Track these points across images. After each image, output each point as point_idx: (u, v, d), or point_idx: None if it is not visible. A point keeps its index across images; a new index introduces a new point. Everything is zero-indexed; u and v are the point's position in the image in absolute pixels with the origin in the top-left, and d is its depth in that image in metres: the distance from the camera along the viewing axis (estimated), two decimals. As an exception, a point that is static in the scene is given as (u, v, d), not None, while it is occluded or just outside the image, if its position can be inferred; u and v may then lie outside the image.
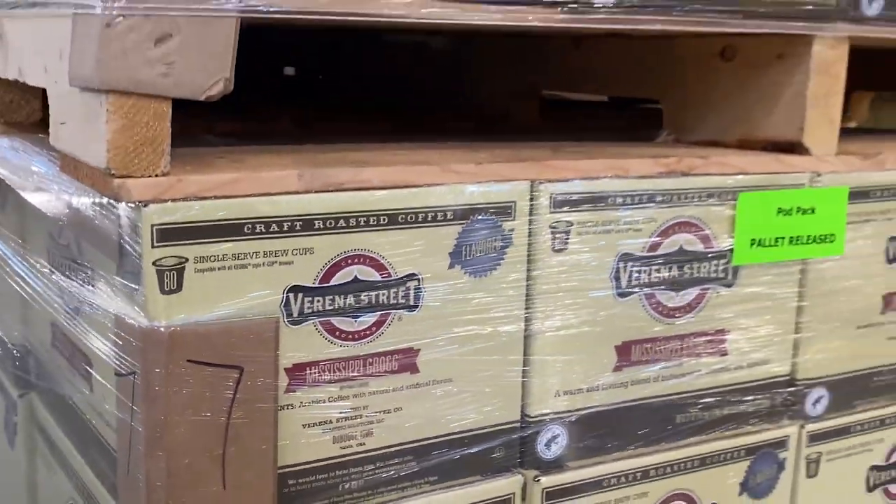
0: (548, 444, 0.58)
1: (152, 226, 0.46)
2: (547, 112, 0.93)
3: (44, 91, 0.62)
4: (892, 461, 0.73)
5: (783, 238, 0.64)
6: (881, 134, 0.90)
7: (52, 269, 0.60)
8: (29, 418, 0.69)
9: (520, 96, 0.91)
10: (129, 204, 0.46)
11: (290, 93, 1.18)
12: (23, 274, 0.65)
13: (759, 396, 0.66)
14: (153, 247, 0.46)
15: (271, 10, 0.47)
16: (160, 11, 0.44)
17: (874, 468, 0.72)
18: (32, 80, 0.59)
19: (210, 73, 0.46)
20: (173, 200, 0.46)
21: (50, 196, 0.56)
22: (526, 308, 0.56)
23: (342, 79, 1.10)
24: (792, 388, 0.67)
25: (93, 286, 0.53)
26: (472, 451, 0.56)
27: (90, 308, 0.53)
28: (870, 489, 0.72)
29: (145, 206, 0.46)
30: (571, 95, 1.05)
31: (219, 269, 0.48)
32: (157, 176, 0.46)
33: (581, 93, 0.85)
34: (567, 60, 0.82)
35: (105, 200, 0.48)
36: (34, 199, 0.59)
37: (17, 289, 0.67)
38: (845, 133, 0.78)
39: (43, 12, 0.55)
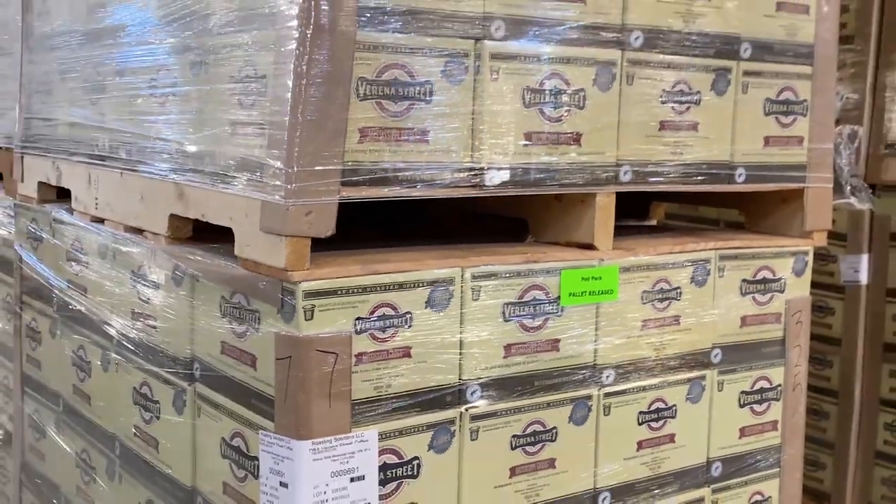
0: (472, 393, 1.21)
1: (303, 291, 1.07)
2: (469, 219, 1.55)
3: (194, 221, 1.23)
4: (652, 409, 1.37)
5: (585, 292, 1.28)
6: (659, 231, 1.56)
7: (223, 315, 1.21)
8: (193, 395, 1.28)
9: (456, 212, 1.54)
10: (293, 283, 1.07)
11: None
12: (197, 318, 1.25)
13: (577, 372, 1.29)
14: (303, 300, 1.07)
15: (356, 197, 1.09)
16: (307, 201, 1.06)
17: (641, 413, 1.36)
18: (216, 221, 1.20)
19: (326, 226, 1.08)
20: (310, 280, 1.08)
21: (230, 278, 1.17)
22: (460, 326, 1.18)
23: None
24: (594, 369, 1.31)
25: (259, 321, 1.14)
26: (436, 395, 1.18)
27: (257, 331, 1.14)
28: (639, 424, 1.36)
29: (300, 283, 1.07)
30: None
31: (328, 310, 1.09)
32: (304, 270, 1.08)
33: (492, 212, 1.46)
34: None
35: (273, 280, 1.09)
36: (213, 279, 1.20)
37: (193, 327, 1.27)
38: (637, 230, 1.44)
39: (223, 189, 1.17)
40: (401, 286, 1.14)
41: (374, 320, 1.12)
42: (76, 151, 1.58)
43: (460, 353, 1.19)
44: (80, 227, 1.56)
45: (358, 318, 1.11)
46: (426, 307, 1.16)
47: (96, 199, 1.51)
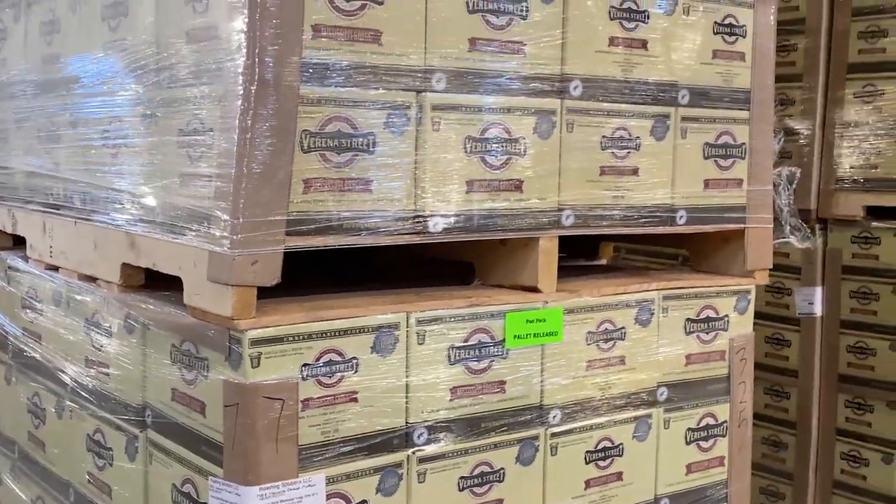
0: (419, 436, 1.23)
1: (249, 339, 1.10)
2: (417, 264, 1.59)
3: (147, 269, 1.25)
4: (599, 448, 1.39)
5: (530, 334, 1.31)
6: (607, 271, 1.60)
7: (173, 363, 1.23)
8: (145, 442, 1.30)
9: (405, 258, 1.57)
10: (239, 331, 1.09)
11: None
12: (149, 365, 1.27)
13: (523, 413, 1.32)
14: (249, 348, 1.10)
15: (301, 246, 1.12)
16: (253, 251, 1.09)
17: (588, 452, 1.39)
18: (166, 270, 1.22)
19: (272, 275, 1.10)
20: (256, 328, 1.10)
21: (180, 326, 1.19)
22: (406, 370, 1.21)
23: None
24: (541, 410, 1.33)
25: (208, 369, 1.16)
26: (383, 439, 1.20)
27: (205, 379, 1.16)
28: (587, 463, 1.39)
29: (247, 331, 1.09)
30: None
31: (274, 357, 1.11)
32: (250, 318, 1.10)
33: (440, 256, 1.49)
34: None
35: (221, 328, 1.11)
36: (164, 327, 1.22)
37: (145, 375, 1.29)
38: (585, 270, 1.47)
39: (173, 240, 1.19)
40: (346, 332, 1.16)
41: (321, 366, 1.15)
42: (31, 200, 1.60)
43: (406, 397, 1.22)
44: (34, 274, 1.58)
45: (304, 365, 1.14)
46: (372, 352, 1.18)
47: (51, 247, 1.53)
